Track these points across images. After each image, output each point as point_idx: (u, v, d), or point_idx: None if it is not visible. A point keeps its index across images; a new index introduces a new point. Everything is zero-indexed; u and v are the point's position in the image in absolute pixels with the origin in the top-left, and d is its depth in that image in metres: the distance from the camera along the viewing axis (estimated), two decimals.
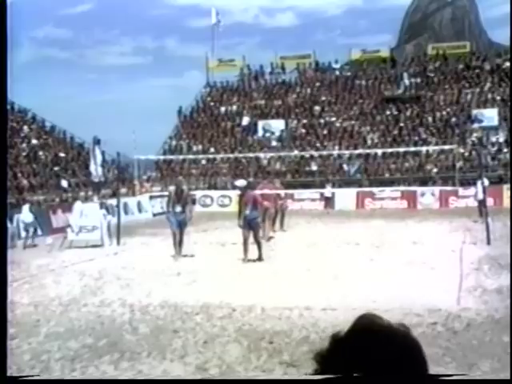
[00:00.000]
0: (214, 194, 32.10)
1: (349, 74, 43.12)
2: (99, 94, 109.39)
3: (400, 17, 75.48)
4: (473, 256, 13.68)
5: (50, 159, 31.04)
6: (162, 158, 35.42)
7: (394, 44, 64.27)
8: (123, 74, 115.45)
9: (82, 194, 26.72)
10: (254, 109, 41.07)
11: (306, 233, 19.47)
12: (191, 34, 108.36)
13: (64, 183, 28.30)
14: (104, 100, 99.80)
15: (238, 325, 8.42)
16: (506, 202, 26.15)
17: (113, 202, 21.76)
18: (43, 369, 6.76)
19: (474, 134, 35.04)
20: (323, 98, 40.72)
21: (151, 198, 29.59)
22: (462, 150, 32.51)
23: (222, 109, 41.93)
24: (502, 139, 34.33)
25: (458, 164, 31.21)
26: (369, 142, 36.03)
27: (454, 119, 36.57)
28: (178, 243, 14.78)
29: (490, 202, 21.96)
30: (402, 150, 31.97)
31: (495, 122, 35.40)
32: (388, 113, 38.47)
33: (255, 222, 14.29)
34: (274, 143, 37.79)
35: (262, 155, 34.37)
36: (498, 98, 37.19)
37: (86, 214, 17.96)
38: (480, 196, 20.80)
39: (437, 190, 29.83)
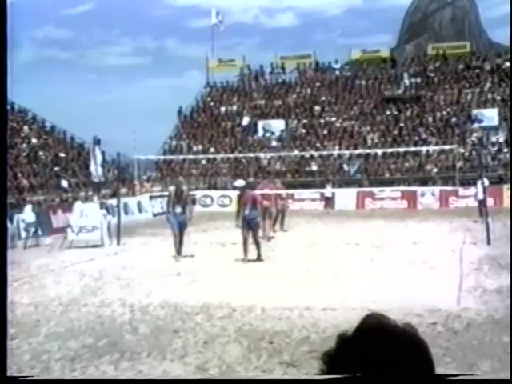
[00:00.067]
0: (214, 194, 32.11)
1: (349, 74, 43.12)
2: (99, 94, 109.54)
3: (400, 17, 75.65)
4: (473, 256, 13.68)
5: (50, 159, 31.05)
6: (162, 158, 35.44)
7: (394, 44, 64.35)
8: (123, 74, 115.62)
9: (82, 194, 26.72)
10: (254, 109, 41.07)
11: (306, 233, 19.47)
12: (191, 34, 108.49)
13: (64, 183, 28.31)
14: (104, 100, 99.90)
15: (238, 325, 8.42)
16: (506, 202, 26.15)
17: (113, 202, 21.76)
18: (43, 369, 6.76)
19: (474, 134, 35.04)
20: (323, 98, 40.72)
21: (151, 198, 29.60)
22: (462, 150, 32.52)
23: (222, 109, 41.94)
24: (502, 139, 34.34)
25: (458, 164, 31.21)
26: (369, 142, 36.03)
27: (454, 119, 36.58)
28: (179, 244, 14.78)
29: (490, 202, 21.94)
30: (402, 150, 31.99)
31: (495, 122, 35.40)
32: (388, 113, 38.47)
33: (255, 221, 14.26)
34: (274, 143, 37.79)
35: (262, 155, 34.38)
36: (498, 98, 37.19)
37: (86, 214, 17.96)
38: (480, 196, 20.81)
39: (437, 190, 29.84)
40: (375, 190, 30.44)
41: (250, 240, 14.13)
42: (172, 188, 16.12)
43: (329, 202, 29.54)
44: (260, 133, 38.75)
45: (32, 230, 18.67)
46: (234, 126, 40.05)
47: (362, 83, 41.58)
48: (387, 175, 33.34)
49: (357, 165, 34.18)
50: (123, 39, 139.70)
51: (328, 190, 29.26)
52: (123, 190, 27.19)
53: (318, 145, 36.15)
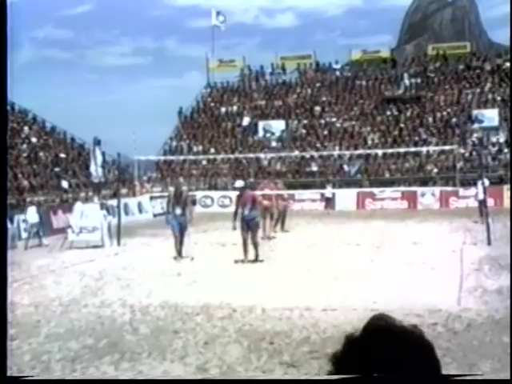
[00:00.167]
0: (215, 194, 32.12)
1: (349, 74, 43.14)
2: (99, 95, 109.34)
3: (400, 17, 75.52)
4: (473, 256, 13.69)
5: (50, 160, 31.05)
6: (162, 158, 35.46)
7: (395, 44, 64.32)
8: (123, 74, 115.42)
9: (83, 194, 26.72)
10: (254, 109, 41.08)
11: (306, 233, 19.46)
12: (191, 34, 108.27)
13: (64, 184, 28.31)
14: (104, 101, 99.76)
15: (239, 325, 8.42)
16: (507, 203, 26.15)
17: (113, 202, 21.76)
18: (43, 369, 6.76)
19: (475, 135, 35.04)
20: (323, 99, 40.73)
21: (152, 198, 29.62)
22: (462, 151, 32.52)
23: (223, 109, 41.95)
24: (502, 139, 34.35)
25: (459, 164, 31.17)
26: (369, 142, 36.03)
27: (454, 119, 36.58)
28: (179, 245, 14.78)
29: (490, 202, 21.95)
30: (402, 150, 32.02)
31: (495, 123, 35.41)
32: (388, 113, 38.48)
33: (254, 221, 14.22)
34: (274, 144, 37.80)
35: (262, 156, 34.40)
36: (499, 98, 37.20)
37: (87, 214, 17.96)
38: (480, 196, 20.80)
39: (437, 190, 29.86)
40: (375, 190, 30.46)
41: (250, 240, 14.12)
42: (171, 189, 16.12)
43: (329, 202, 29.56)
44: (260, 133, 38.77)
45: (34, 230, 18.68)
46: (234, 126, 40.06)
47: (363, 83, 41.58)
48: (387, 176, 33.35)
49: (357, 165, 34.19)
50: (123, 39, 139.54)
51: (328, 191, 29.28)
52: (123, 191, 27.20)
53: (318, 145, 36.15)
